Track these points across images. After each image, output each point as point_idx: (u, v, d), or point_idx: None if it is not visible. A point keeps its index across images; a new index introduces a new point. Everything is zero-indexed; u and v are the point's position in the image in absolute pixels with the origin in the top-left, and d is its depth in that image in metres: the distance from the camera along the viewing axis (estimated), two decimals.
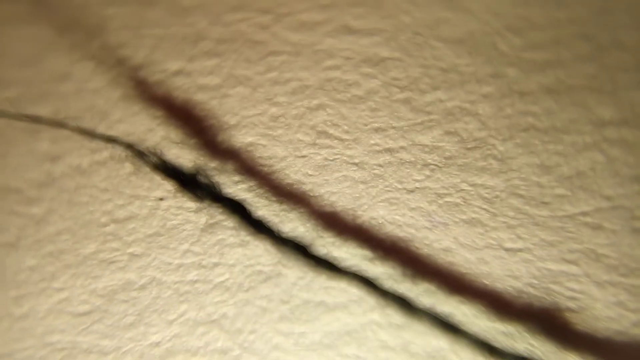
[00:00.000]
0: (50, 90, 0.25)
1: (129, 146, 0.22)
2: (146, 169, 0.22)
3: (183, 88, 0.25)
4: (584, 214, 0.21)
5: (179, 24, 0.25)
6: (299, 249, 0.21)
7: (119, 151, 0.23)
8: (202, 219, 0.22)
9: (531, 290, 0.20)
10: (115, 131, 0.23)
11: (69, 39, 0.25)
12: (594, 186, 0.22)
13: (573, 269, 0.21)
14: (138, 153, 0.21)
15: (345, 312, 0.21)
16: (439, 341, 0.20)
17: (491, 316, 0.20)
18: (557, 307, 0.20)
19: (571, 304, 0.20)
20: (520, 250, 0.21)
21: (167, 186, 0.23)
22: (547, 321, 0.20)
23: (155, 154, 0.22)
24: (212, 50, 0.25)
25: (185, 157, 0.23)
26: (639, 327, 0.19)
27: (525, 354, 0.19)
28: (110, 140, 0.22)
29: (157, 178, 0.22)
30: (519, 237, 0.21)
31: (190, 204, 0.22)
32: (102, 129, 0.23)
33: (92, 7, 0.26)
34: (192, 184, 0.21)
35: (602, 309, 0.20)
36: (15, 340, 0.23)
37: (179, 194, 0.22)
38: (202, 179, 0.21)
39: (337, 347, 0.21)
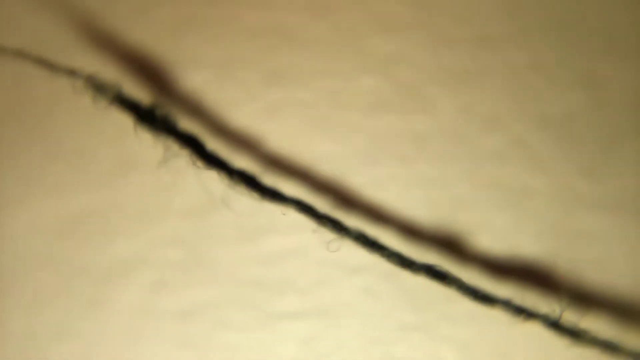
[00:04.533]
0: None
1: (89, 78, 0.22)
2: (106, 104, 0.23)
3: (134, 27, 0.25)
4: (495, 149, 0.25)
5: None
6: (250, 180, 0.23)
7: (79, 83, 0.23)
8: (161, 150, 0.24)
9: (444, 214, 0.24)
10: (74, 64, 0.24)
11: None
12: (506, 124, 0.25)
13: (480, 195, 0.24)
14: (98, 87, 0.22)
15: (290, 234, 0.24)
16: (367, 257, 0.23)
17: (410, 237, 0.24)
18: (463, 228, 0.24)
19: (475, 225, 0.24)
20: (439, 181, 0.25)
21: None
22: (454, 239, 0.24)
23: (113, 88, 0.22)
24: None
25: (137, 93, 0.24)
26: (524, 240, 0.24)
27: (433, 265, 0.22)
28: (71, 72, 0.22)
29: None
30: (439, 171, 0.25)
31: (149, 136, 0.24)
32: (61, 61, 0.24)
33: None
34: (149, 119, 0.23)
35: (499, 229, 0.24)
36: None
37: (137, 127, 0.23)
38: (159, 113, 0.23)
39: (282, 263, 0.24)
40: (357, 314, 0.24)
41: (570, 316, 0.22)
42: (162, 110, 0.22)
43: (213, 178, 0.24)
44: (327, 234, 0.24)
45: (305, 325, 0.24)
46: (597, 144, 0.24)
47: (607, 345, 0.20)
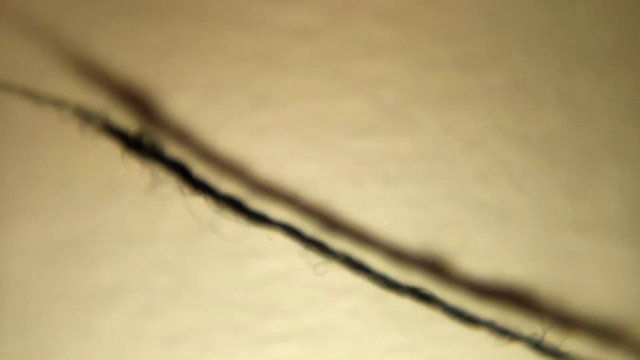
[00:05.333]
0: None
1: (77, 108, 0.22)
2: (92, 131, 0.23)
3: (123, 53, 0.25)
4: (477, 170, 0.25)
5: None
6: (237, 205, 0.23)
7: (66, 113, 0.23)
8: (148, 176, 0.24)
9: (429, 236, 0.25)
10: (59, 92, 0.24)
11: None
12: (487, 146, 0.26)
13: (464, 217, 0.25)
14: (85, 115, 0.22)
15: (277, 258, 0.24)
16: (353, 279, 0.23)
17: (395, 259, 0.24)
18: (447, 249, 0.24)
19: (459, 247, 0.24)
20: (423, 203, 0.25)
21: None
22: (438, 261, 0.24)
23: (100, 117, 0.23)
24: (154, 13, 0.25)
25: (129, 120, 0.24)
26: (506, 261, 0.24)
27: (418, 287, 0.23)
28: (58, 102, 0.22)
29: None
30: (424, 192, 0.25)
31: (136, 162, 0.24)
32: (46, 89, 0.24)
33: None
34: (137, 146, 0.23)
35: (482, 249, 0.24)
36: None
37: (124, 154, 0.24)
38: (146, 141, 0.23)
39: (268, 287, 0.24)
40: (344, 336, 0.24)
41: (553, 338, 0.22)
42: (149, 137, 0.23)
43: (200, 203, 0.24)
44: (313, 257, 0.24)
45: (292, 348, 0.24)
46: (578, 164, 0.25)
47: None
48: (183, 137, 0.25)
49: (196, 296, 0.25)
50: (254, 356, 0.24)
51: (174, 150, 0.24)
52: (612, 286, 0.23)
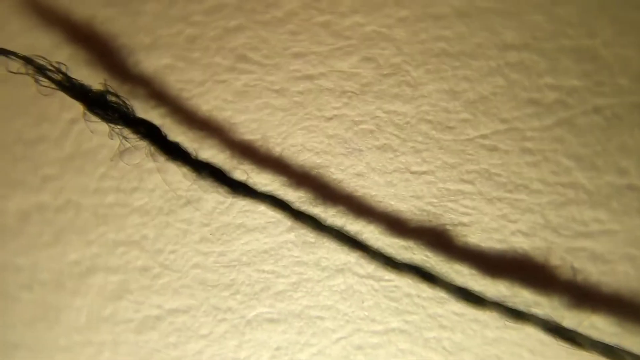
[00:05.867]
0: None
1: (28, 60, 0.20)
2: (50, 88, 0.21)
3: (88, 1, 0.23)
4: (483, 136, 0.23)
5: None
6: (218, 175, 0.21)
7: (20, 66, 0.21)
8: (117, 142, 0.22)
9: (431, 208, 0.23)
10: (13, 45, 0.21)
11: None
12: (494, 110, 0.23)
13: (469, 187, 0.23)
14: (39, 69, 0.20)
15: (264, 233, 0.22)
16: (347, 256, 0.22)
17: (394, 233, 0.22)
18: (451, 222, 0.22)
19: (464, 219, 0.22)
20: (424, 172, 0.23)
21: (80, 108, 0.22)
22: (441, 235, 0.22)
23: (59, 72, 0.20)
24: None
25: (94, 77, 0.22)
26: (516, 235, 0.22)
27: (419, 264, 0.21)
28: (6, 53, 0.20)
29: (67, 99, 0.21)
30: (425, 161, 0.23)
31: (104, 127, 0.22)
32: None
33: None
34: (101, 105, 0.20)
35: (488, 222, 0.22)
36: None
37: (88, 115, 0.21)
38: (112, 100, 0.21)
39: (255, 264, 0.22)
40: (337, 318, 0.22)
41: (569, 318, 0.20)
42: (115, 96, 0.20)
43: (176, 172, 0.22)
44: (303, 232, 0.22)
45: (281, 331, 0.23)
46: (594, 133, 0.23)
47: (608, 350, 0.19)
48: (157, 98, 0.23)
49: (175, 276, 0.23)
50: (237, 339, 0.23)
51: (146, 112, 0.22)
52: (632, 262, 0.21)
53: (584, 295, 0.21)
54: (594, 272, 0.21)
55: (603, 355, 0.19)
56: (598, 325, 0.20)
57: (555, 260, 0.22)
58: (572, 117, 0.22)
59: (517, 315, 0.20)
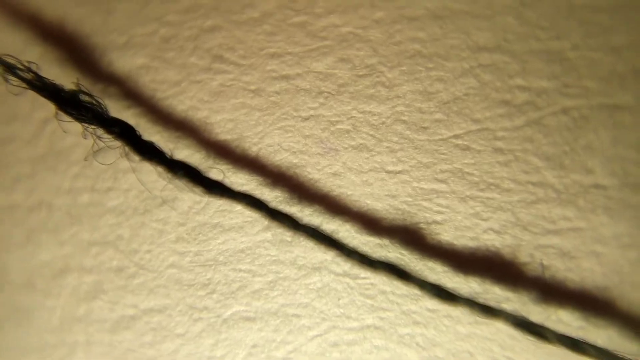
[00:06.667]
0: None
1: None
2: (21, 87, 0.20)
3: (60, 0, 0.22)
4: (456, 136, 0.23)
5: None
6: (193, 174, 0.21)
7: None
8: (91, 142, 0.22)
9: (405, 207, 0.23)
10: None
11: None
12: (467, 110, 0.23)
13: (442, 187, 0.23)
14: (9, 68, 0.19)
15: (240, 233, 0.22)
16: (323, 254, 0.22)
17: (369, 231, 0.22)
18: (425, 221, 0.23)
19: (437, 218, 0.23)
20: (399, 172, 0.23)
21: (52, 107, 0.21)
22: (415, 233, 0.22)
23: (30, 71, 0.20)
24: None
25: (67, 76, 0.22)
26: (488, 233, 0.23)
27: (393, 262, 0.22)
28: None
29: (40, 98, 0.21)
30: (399, 160, 0.23)
31: (78, 127, 0.21)
32: None
33: None
34: (74, 105, 0.20)
35: (461, 220, 0.23)
36: None
37: (60, 115, 0.21)
38: (85, 100, 0.20)
39: (232, 263, 0.22)
40: (313, 315, 0.23)
41: (537, 313, 0.21)
42: (88, 95, 0.20)
43: (152, 172, 0.22)
44: (280, 232, 0.22)
45: (257, 329, 0.23)
46: (563, 133, 0.23)
47: (573, 344, 0.19)
48: (131, 97, 0.22)
49: (151, 276, 0.23)
50: (213, 338, 0.23)
51: (120, 112, 0.22)
52: (597, 258, 0.22)
53: (552, 291, 0.21)
54: (561, 269, 0.22)
55: (569, 348, 0.19)
56: (564, 320, 0.21)
57: (524, 257, 0.22)
58: (541, 117, 0.23)
59: (488, 311, 0.20)
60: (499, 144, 0.23)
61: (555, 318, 0.21)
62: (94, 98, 0.20)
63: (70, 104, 0.20)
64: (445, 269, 0.22)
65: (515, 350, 0.21)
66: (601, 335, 0.21)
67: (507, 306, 0.21)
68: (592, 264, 0.22)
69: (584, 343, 0.19)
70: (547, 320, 0.21)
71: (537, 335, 0.20)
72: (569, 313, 0.21)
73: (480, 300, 0.21)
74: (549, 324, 0.20)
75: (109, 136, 0.20)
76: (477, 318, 0.21)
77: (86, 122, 0.20)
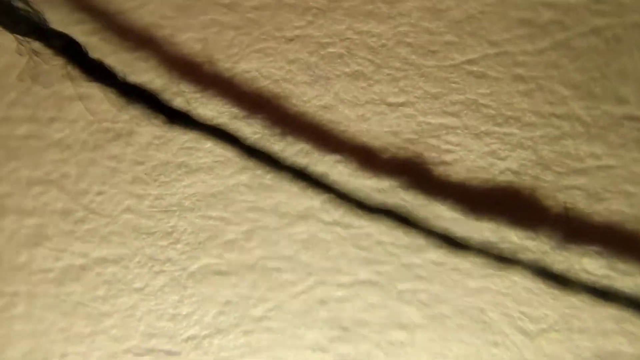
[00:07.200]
0: None
1: None
2: None
3: None
4: (470, 62, 0.21)
5: None
6: (152, 101, 0.19)
7: None
8: (30, 63, 0.19)
9: (409, 145, 0.21)
10: None
11: None
12: (482, 31, 0.21)
13: (453, 121, 0.21)
14: None
15: (210, 174, 0.21)
16: (310, 200, 0.21)
17: (366, 174, 0.21)
18: (432, 161, 0.21)
19: (447, 157, 0.21)
20: (402, 104, 0.21)
21: None
22: (421, 175, 0.21)
23: None
24: None
25: None
26: (505, 174, 0.21)
27: (394, 208, 0.20)
28: None
29: None
30: (403, 91, 0.22)
31: (13, 45, 0.19)
32: None
33: None
34: (5, 11, 0.18)
35: (474, 160, 0.21)
36: None
37: None
38: (19, 6, 0.18)
39: (200, 210, 0.21)
40: (297, 270, 0.21)
41: (558, 263, 0.19)
42: (23, 2, 0.18)
43: (103, 101, 0.19)
44: (259, 174, 0.21)
45: (231, 285, 0.21)
46: (595, 57, 0.21)
47: (601, 293, 0.18)
48: (81, 10, 0.20)
49: (104, 222, 0.21)
50: (178, 293, 0.21)
51: (67, 27, 0.19)
52: (629, 199, 0.21)
53: (576, 237, 0.20)
54: (587, 212, 0.21)
55: (596, 298, 0.18)
56: (588, 268, 0.20)
57: (546, 201, 0.21)
58: (568, 39, 0.21)
59: (504, 261, 0.19)
60: (520, 70, 0.21)
61: (578, 267, 0.20)
62: (29, 5, 0.18)
63: (3, 14, 0.17)
64: (455, 215, 0.20)
65: (532, 304, 0.20)
66: (628, 283, 0.20)
67: (524, 256, 0.20)
68: (623, 205, 0.21)
69: (614, 292, 0.18)
70: (570, 270, 0.19)
71: (559, 285, 0.19)
72: (594, 261, 0.20)
73: (494, 250, 0.19)
74: (572, 274, 0.19)
75: (48, 51, 0.17)
76: (490, 270, 0.20)
77: (20, 34, 0.17)
